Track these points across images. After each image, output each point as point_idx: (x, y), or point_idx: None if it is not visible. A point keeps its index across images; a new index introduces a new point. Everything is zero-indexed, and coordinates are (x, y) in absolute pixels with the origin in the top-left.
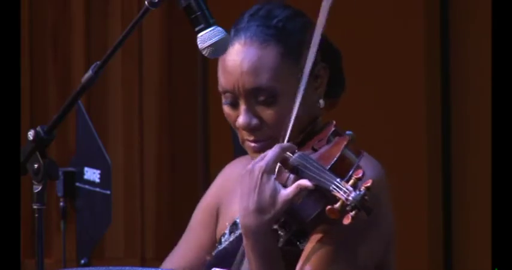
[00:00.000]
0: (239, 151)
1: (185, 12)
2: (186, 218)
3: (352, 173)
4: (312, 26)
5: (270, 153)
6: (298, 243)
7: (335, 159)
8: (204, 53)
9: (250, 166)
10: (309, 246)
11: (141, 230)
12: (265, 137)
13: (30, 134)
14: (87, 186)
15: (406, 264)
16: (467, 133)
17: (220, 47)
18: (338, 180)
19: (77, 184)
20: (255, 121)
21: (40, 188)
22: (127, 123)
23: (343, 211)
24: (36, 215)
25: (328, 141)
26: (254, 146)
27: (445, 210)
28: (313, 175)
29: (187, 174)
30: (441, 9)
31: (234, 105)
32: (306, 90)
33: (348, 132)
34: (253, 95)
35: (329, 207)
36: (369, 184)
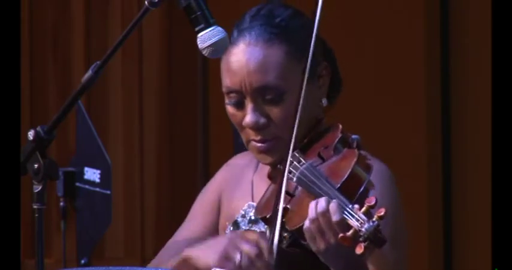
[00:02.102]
0: (240, 151)
1: (185, 12)
2: (185, 217)
3: (362, 193)
4: (312, 25)
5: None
6: (306, 244)
7: (345, 177)
8: (204, 53)
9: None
10: None
11: (141, 230)
12: (272, 136)
13: (30, 134)
14: (87, 186)
15: (406, 264)
16: (467, 133)
17: (220, 47)
18: (350, 206)
19: (77, 184)
20: (262, 120)
21: (40, 188)
22: (127, 123)
23: (356, 240)
24: (36, 215)
25: (336, 150)
26: (260, 146)
27: (445, 210)
28: (322, 194)
29: (187, 174)
30: (441, 9)
31: (239, 105)
32: (309, 89)
33: (354, 136)
34: (260, 93)
35: (341, 235)
36: (382, 213)
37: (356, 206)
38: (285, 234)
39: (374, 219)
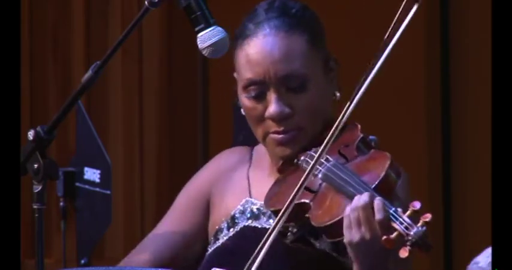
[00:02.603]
0: None
1: (185, 12)
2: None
3: (394, 197)
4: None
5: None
6: (312, 240)
7: (380, 178)
8: (204, 53)
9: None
10: None
11: (141, 230)
12: (294, 126)
13: (30, 134)
14: (87, 186)
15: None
16: (467, 133)
17: (220, 47)
18: (394, 208)
19: (77, 184)
20: (287, 110)
21: (40, 188)
22: (127, 123)
23: (400, 243)
24: (36, 215)
25: (359, 150)
26: (282, 138)
27: (445, 209)
28: (356, 193)
29: (187, 174)
30: (441, 9)
31: (260, 97)
32: (326, 83)
33: (371, 137)
34: (285, 82)
35: (385, 237)
36: (428, 219)
37: (399, 209)
38: (291, 229)
39: (420, 224)
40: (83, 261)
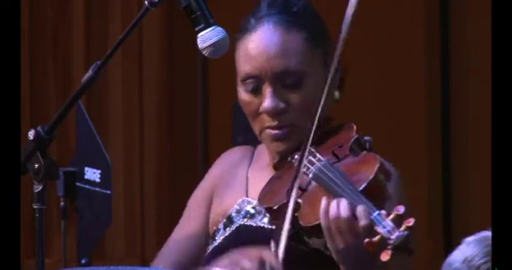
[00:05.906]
0: None
1: (185, 12)
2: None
3: (380, 200)
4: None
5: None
6: (305, 238)
7: (367, 181)
8: (204, 53)
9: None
10: None
11: (141, 230)
12: (288, 122)
13: (31, 134)
14: (87, 186)
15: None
16: (467, 133)
17: (220, 47)
18: (378, 212)
19: (78, 184)
20: (281, 104)
21: (40, 187)
22: (127, 123)
23: (382, 246)
24: (37, 215)
25: (352, 151)
26: (276, 133)
27: (445, 209)
28: (343, 194)
29: (187, 174)
30: (441, 9)
31: (256, 91)
32: (323, 80)
33: (366, 137)
34: (280, 78)
35: (367, 240)
36: (410, 224)
37: (383, 211)
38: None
39: (403, 228)
40: (83, 261)
